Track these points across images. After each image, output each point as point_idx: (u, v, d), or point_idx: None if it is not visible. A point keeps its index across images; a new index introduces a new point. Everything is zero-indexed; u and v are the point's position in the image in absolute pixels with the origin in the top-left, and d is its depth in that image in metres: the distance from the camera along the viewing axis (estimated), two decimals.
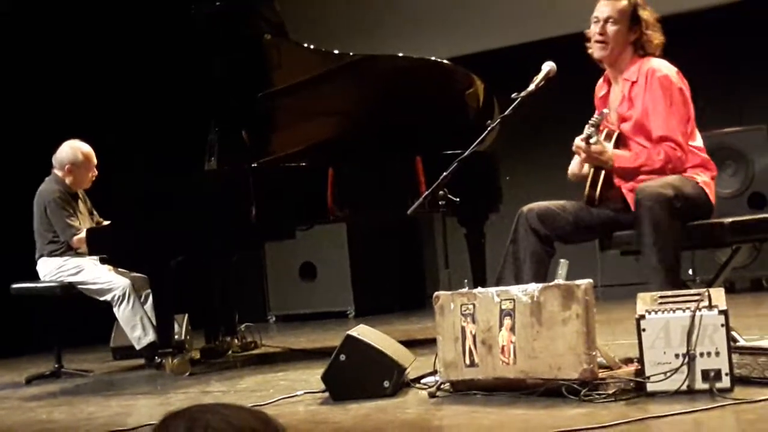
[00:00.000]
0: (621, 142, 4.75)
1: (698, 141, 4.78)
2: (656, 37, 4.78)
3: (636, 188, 4.54)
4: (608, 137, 4.74)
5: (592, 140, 4.62)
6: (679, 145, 4.63)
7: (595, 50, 4.80)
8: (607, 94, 4.89)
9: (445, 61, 6.45)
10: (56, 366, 6.66)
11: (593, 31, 4.79)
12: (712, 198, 4.68)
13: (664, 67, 4.73)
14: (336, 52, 6.41)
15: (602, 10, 4.79)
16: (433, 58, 6.46)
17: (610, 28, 4.75)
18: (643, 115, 4.68)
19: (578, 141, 4.68)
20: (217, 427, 1.49)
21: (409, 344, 5.16)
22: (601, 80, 4.94)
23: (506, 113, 4.71)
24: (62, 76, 9.21)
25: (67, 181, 6.87)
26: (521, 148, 8.90)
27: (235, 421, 1.51)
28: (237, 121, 6.53)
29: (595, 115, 4.73)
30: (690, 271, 7.65)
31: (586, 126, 4.69)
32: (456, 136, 5.90)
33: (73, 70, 9.27)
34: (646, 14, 4.77)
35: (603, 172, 4.72)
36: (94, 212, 7.06)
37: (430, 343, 4.83)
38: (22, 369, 6.98)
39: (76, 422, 4.67)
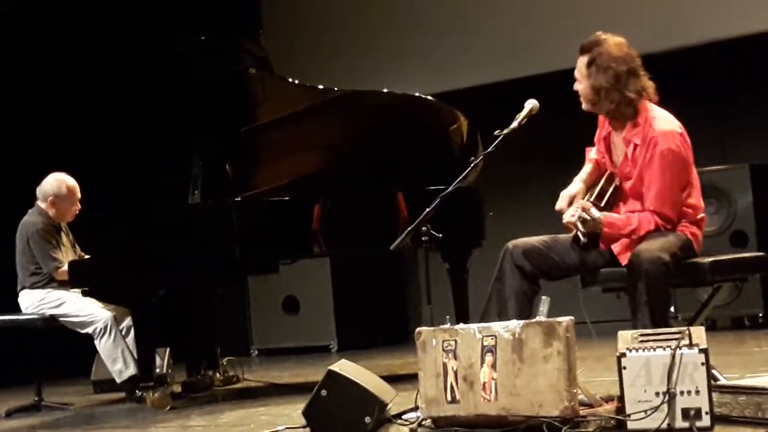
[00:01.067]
0: (618, 193, 4.75)
1: (695, 197, 4.73)
2: (638, 85, 4.68)
3: (632, 251, 4.55)
4: (609, 181, 4.74)
5: (580, 236, 4.60)
6: (670, 220, 4.62)
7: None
8: (609, 135, 4.88)
9: (429, 97, 6.48)
10: (36, 399, 6.62)
11: None
12: (698, 248, 4.68)
13: (668, 134, 4.62)
14: (320, 87, 6.43)
15: (579, 71, 4.77)
16: (417, 94, 6.50)
17: (577, 86, 4.76)
18: (641, 183, 4.66)
19: (569, 218, 4.64)
20: None
21: (391, 379, 5.15)
22: (602, 117, 4.90)
23: (489, 150, 4.72)
24: (48, 107, 9.21)
25: (50, 213, 6.86)
26: (505, 183, 8.92)
27: None
28: (221, 155, 6.54)
29: (592, 211, 4.67)
30: (672, 309, 7.65)
31: (579, 214, 4.63)
32: (439, 172, 5.91)
33: (59, 104, 9.27)
34: (608, 70, 4.64)
35: None
36: (77, 246, 7.05)
37: (412, 378, 4.82)
38: (2, 402, 6.93)
39: None
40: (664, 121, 4.69)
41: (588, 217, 4.56)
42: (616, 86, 4.65)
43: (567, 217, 4.66)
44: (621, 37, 4.76)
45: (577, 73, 4.76)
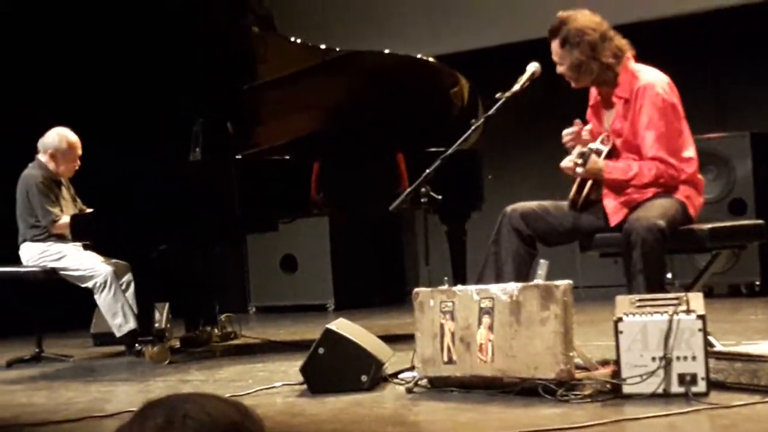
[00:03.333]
0: (613, 153, 4.77)
1: (690, 151, 4.75)
2: (606, 51, 4.71)
3: (623, 217, 4.58)
4: (604, 142, 4.76)
5: (579, 170, 4.63)
6: (671, 165, 4.63)
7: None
8: (598, 102, 4.90)
9: (430, 59, 6.48)
10: (37, 350, 6.66)
11: None
12: (694, 212, 4.70)
13: (655, 82, 4.68)
14: (322, 46, 6.42)
15: (555, 56, 4.80)
16: (418, 56, 6.49)
17: (559, 69, 4.78)
18: (635, 134, 4.68)
19: (564, 163, 4.69)
20: (195, 417, 1.51)
21: (388, 339, 5.20)
22: (593, 88, 4.94)
23: (490, 113, 4.74)
24: (50, 65, 9.18)
25: (50, 167, 6.88)
26: (505, 146, 8.93)
27: (213, 411, 1.53)
28: (222, 113, 6.54)
29: (588, 146, 4.72)
30: (669, 275, 7.69)
31: (576, 150, 4.70)
32: (439, 134, 5.93)
33: (61, 60, 9.24)
34: (581, 42, 4.68)
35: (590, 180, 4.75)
36: (78, 199, 7.07)
37: (408, 338, 4.87)
38: (3, 352, 6.97)
39: (55, 407, 4.69)
40: (649, 72, 4.75)
41: (586, 149, 4.61)
42: (592, 55, 4.70)
43: (565, 162, 4.69)
44: (583, 8, 4.80)
45: (555, 57, 4.79)
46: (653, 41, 4.82)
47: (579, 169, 4.65)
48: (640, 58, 4.83)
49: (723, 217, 7.44)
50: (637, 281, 4.40)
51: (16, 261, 6.81)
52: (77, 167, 6.98)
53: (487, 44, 9.25)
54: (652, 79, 4.71)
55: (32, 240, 6.76)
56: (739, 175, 7.95)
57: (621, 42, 4.77)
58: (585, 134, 4.84)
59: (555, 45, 4.77)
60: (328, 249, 9.64)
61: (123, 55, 9.55)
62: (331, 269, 9.65)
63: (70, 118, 7.19)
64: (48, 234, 6.74)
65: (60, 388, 5.33)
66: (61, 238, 6.70)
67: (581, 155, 4.66)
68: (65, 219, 6.65)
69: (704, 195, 4.93)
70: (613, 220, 4.66)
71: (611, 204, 4.70)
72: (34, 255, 6.74)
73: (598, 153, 4.71)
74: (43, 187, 6.79)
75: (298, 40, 6.41)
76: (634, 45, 4.83)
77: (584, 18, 4.74)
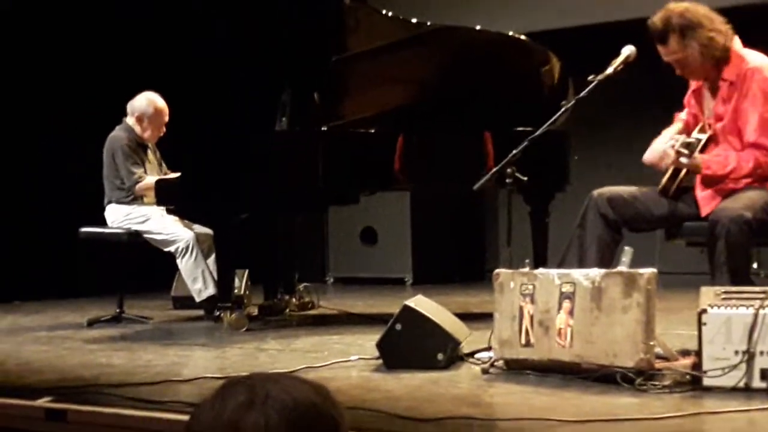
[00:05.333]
0: (712, 141, 4.68)
1: None
2: (720, 38, 4.61)
3: (714, 207, 4.50)
4: (702, 131, 4.68)
5: (683, 160, 4.56)
6: None
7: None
8: (701, 87, 4.80)
9: (522, 37, 6.41)
10: (118, 311, 6.74)
11: None
12: None
13: (763, 66, 4.60)
14: (414, 20, 6.39)
15: (663, 57, 4.68)
16: (510, 33, 6.43)
17: (681, 71, 4.68)
18: (737, 116, 4.59)
19: (670, 151, 4.61)
20: (277, 398, 1.51)
21: (465, 317, 5.18)
22: None
23: (581, 95, 4.68)
24: (143, 28, 9.27)
25: (136, 130, 6.95)
26: (593, 128, 8.81)
27: (295, 393, 1.53)
28: (310, 84, 6.55)
29: (694, 134, 4.66)
30: (755, 264, 7.55)
31: (671, 134, 4.63)
32: (528, 113, 5.87)
33: (154, 24, 9.33)
34: (698, 30, 4.59)
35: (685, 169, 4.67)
36: (163, 164, 7.14)
37: (486, 317, 4.84)
38: (85, 311, 7.08)
39: (133, 368, 4.75)
40: (756, 56, 4.67)
41: (692, 140, 4.53)
42: (709, 43, 4.59)
43: (669, 151, 4.60)
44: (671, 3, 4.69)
45: (671, 59, 4.65)
46: (757, 26, 4.71)
47: (683, 159, 4.56)
48: (745, 42, 4.74)
49: None
50: (721, 272, 4.33)
51: (102, 222, 6.90)
52: (163, 133, 7.05)
53: (580, 23, 9.14)
54: (760, 63, 4.62)
55: (117, 202, 6.85)
56: None
57: (725, 26, 4.66)
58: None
59: (672, 45, 4.63)
60: (409, 223, 9.64)
61: (216, 22, 9.60)
62: (411, 243, 9.66)
63: (161, 84, 7.25)
64: (133, 197, 6.82)
65: (139, 350, 5.39)
66: (146, 201, 6.77)
67: (687, 145, 4.57)
68: (149, 180, 6.72)
69: None
70: (705, 211, 4.58)
71: (704, 194, 4.62)
72: (119, 217, 6.83)
73: (696, 143, 4.63)
74: (129, 149, 6.87)
75: (390, 13, 6.38)
76: (737, 30, 4.72)
77: (685, 8, 4.63)
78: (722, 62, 4.64)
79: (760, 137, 4.53)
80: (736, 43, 4.69)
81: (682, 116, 4.92)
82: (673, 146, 4.59)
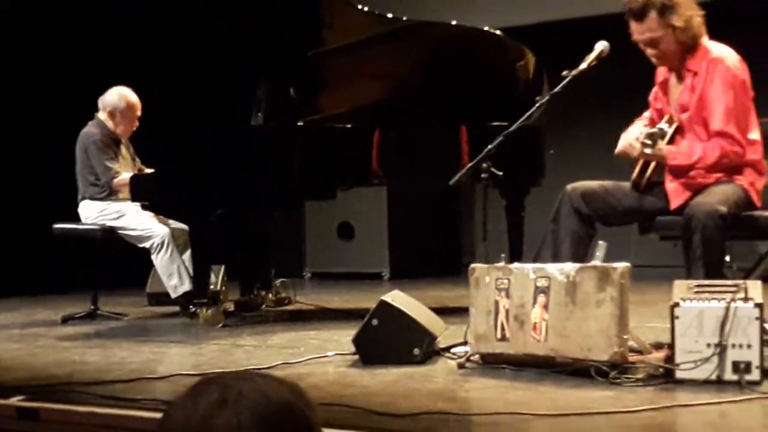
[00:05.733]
0: (678, 132, 4.71)
1: (755, 134, 4.68)
2: (695, 22, 4.64)
3: (684, 200, 4.53)
4: (669, 122, 4.70)
5: (647, 150, 4.58)
6: (737, 141, 4.56)
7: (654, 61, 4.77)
8: (667, 80, 4.83)
9: (497, 32, 6.42)
10: (92, 307, 6.73)
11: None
12: (758, 201, 4.62)
13: (727, 56, 4.63)
14: (389, 15, 6.39)
15: (636, 36, 4.68)
16: (485, 28, 6.43)
17: (653, 50, 4.68)
18: (703, 106, 4.61)
19: (635, 143, 4.63)
20: (249, 396, 1.51)
21: (442, 312, 5.19)
22: None
23: (555, 90, 4.70)
24: (103, 26, 9.23)
25: (108, 125, 6.93)
26: (568, 122, 8.83)
27: (268, 391, 1.53)
28: (286, 79, 6.54)
29: (659, 125, 4.68)
30: (727, 258, 7.59)
31: (638, 128, 4.66)
32: (503, 108, 5.89)
33: (124, 19, 9.29)
34: (677, 10, 4.60)
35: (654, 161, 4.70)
36: (137, 158, 7.12)
37: (462, 312, 4.85)
38: (59, 308, 7.05)
39: (108, 365, 4.73)
40: (720, 47, 4.70)
41: (655, 130, 4.55)
42: (684, 29, 4.62)
43: (631, 143, 4.62)
44: None
45: (644, 37, 4.65)
46: (726, 20, 4.74)
47: (647, 150, 4.58)
48: (713, 36, 4.76)
49: None
50: (696, 267, 4.35)
51: (75, 218, 6.88)
52: (135, 128, 7.02)
53: (554, 18, 9.16)
54: (724, 53, 4.66)
55: (92, 198, 6.82)
56: None
57: (701, 13, 4.70)
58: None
59: (650, 22, 4.63)
60: (386, 218, 9.66)
61: (191, 16, 9.57)
62: (388, 238, 9.67)
63: (133, 79, 7.22)
64: (108, 192, 6.79)
65: (113, 347, 5.38)
66: (120, 197, 6.74)
67: (650, 136, 4.60)
68: (124, 176, 6.69)
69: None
70: (675, 203, 4.61)
71: (673, 186, 4.65)
72: (93, 213, 6.80)
73: (662, 135, 4.65)
74: (102, 144, 6.84)
75: (365, 8, 6.38)
76: (707, 23, 4.76)
77: None
78: (690, 51, 4.66)
79: (726, 126, 4.56)
80: (704, 40, 4.71)
81: (646, 114, 4.95)
82: (637, 138, 4.62)
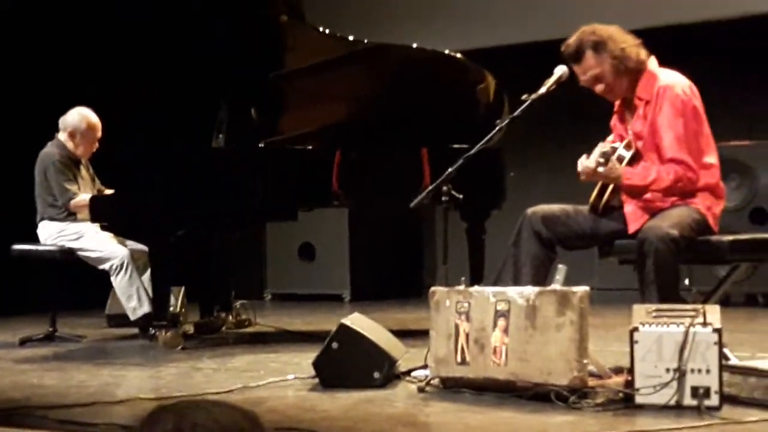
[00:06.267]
0: (636, 158, 4.74)
1: (712, 157, 4.72)
2: (632, 52, 4.71)
3: (642, 224, 4.56)
4: (628, 147, 4.73)
5: (600, 169, 4.61)
6: (690, 167, 4.60)
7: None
8: (622, 105, 4.88)
9: (458, 55, 6.45)
10: (50, 329, 6.66)
11: None
12: (715, 226, 4.66)
13: (676, 83, 4.68)
14: (350, 38, 6.41)
15: (581, 78, 4.78)
16: (446, 51, 6.46)
17: (600, 86, 4.76)
18: (654, 134, 4.66)
19: (586, 162, 4.67)
20: (204, 425, 1.50)
21: (402, 334, 5.19)
22: None
23: (515, 114, 4.72)
24: (67, 47, 9.19)
25: (68, 146, 6.88)
26: (528, 145, 8.88)
27: (223, 420, 1.52)
28: (247, 100, 6.53)
29: (609, 145, 4.73)
30: (686, 281, 7.65)
31: (598, 148, 4.70)
32: (464, 131, 5.92)
33: (86, 39, 9.26)
34: (609, 44, 4.69)
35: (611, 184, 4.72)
36: (96, 179, 7.08)
37: (422, 334, 4.85)
38: (17, 330, 6.99)
39: (66, 389, 4.69)
40: (669, 74, 4.75)
41: (608, 149, 4.59)
42: (623, 57, 4.69)
43: (585, 162, 4.66)
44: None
45: (588, 76, 4.75)
46: (679, 46, 4.80)
47: (600, 169, 4.62)
48: (667, 63, 4.81)
49: (744, 225, 7.40)
50: (649, 290, 4.38)
51: (34, 239, 6.82)
52: (95, 149, 6.98)
53: (514, 41, 9.22)
54: (672, 80, 4.70)
55: (50, 219, 6.77)
56: (761, 184, 7.90)
57: (638, 48, 4.76)
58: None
59: (587, 64, 4.73)
60: (347, 239, 9.65)
61: (151, 36, 9.55)
62: (349, 260, 9.66)
63: (94, 99, 7.19)
64: (67, 213, 6.74)
65: (72, 370, 5.33)
66: (79, 218, 6.69)
67: (603, 155, 4.64)
68: (83, 197, 6.65)
69: (726, 202, 4.89)
70: (633, 227, 4.63)
71: (630, 209, 4.68)
72: (52, 233, 6.74)
73: (620, 159, 4.68)
74: (61, 165, 6.79)
75: (326, 30, 6.39)
76: (659, 50, 4.82)
77: (595, 31, 4.74)
78: (636, 78, 4.72)
79: (678, 152, 4.60)
80: (652, 63, 4.78)
81: (609, 139, 4.99)
82: (593, 164, 4.65)
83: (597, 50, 4.71)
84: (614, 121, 4.95)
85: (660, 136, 4.63)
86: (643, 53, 4.75)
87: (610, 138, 4.98)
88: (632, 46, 4.73)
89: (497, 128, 4.89)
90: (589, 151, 4.83)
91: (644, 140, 4.71)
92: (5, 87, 8.77)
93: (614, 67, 4.70)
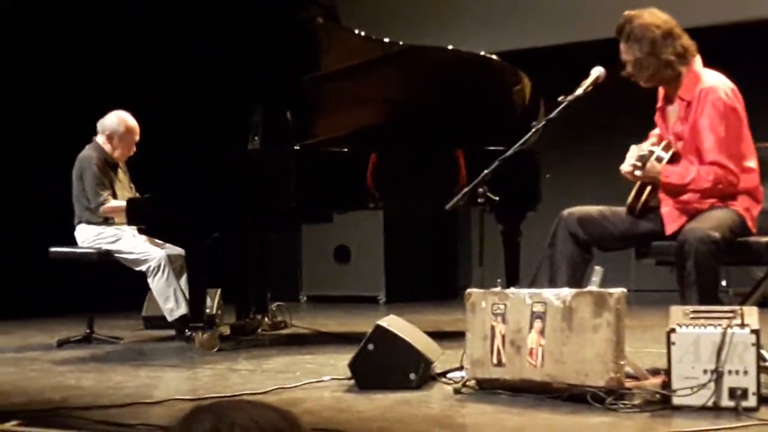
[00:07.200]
0: (675, 159, 4.71)
1: (752, 162, 4.68)
2: (677, 46, 4.69)
3: (679, 226, 4.54)
4: (666, 149, 4.71)
5: (637, 173, 4.60)
6: (731, 171, 4.57)
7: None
8: (664, 106, 4.85)
9: (494, 57, 6.43)
10: (88, 331, 6.70)
11: None
12: (753, 227, 4.62)
13: (718, 86, 4.64)
14: (386, 40, 6.40)
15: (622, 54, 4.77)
16: (482, 53, 6.45)
17: (630, 70, 4.74)
18: (695, 137, 4.62)
19: (621, 167, 4.66)
20: (243, 425, 1.51)
21: (438, 336, 5.18)
22: (661, 89, 4.90)
23: (551, 116, 4.69)
24: (105, 50, 9.26)
25: (106, 149, 6.92)
26: (565, 147, 8.84)
27: (261, 421, 1.52)
28: (283, 103, 6.55)
29: (648, 147, 4.70)
30: (724, 282, 7.59)
31: (633, 150, 4.67)
32: (500, 133, 5.89)
33: (126, 42, 9.32)
34: (650, 31, 4.67)
35: (649, 185, 4.70)
36: (133, 184, 7.11)
37: (458, 336, 4.85)
38: (55, 332, 7.04)
39: (103, 390, 4.71)
40: (713, 76, 4.71)
41: (645, 152, 4.57)
42: (651, 52, 4.66)
43: (624, 166, 4.65)
44: (654, 8, 4.76)
45: (622, 56, 4.76)
46: (724, 46, 4.75)
47: (637, 172, 4.61)
48: (709, 63, 4.77)
49: None
50: (689, 292, 4.35)
51: (72, 242, 6.86)
52: (132, 152, 7.02)
53: (551, 42, 9.19)
54: (715, 82, 4.65)
55: (87, 223, 6.81)
56: None
57: (688, 42, 4.72)
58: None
59: (622, 45, 4.74)
60: (382, 241, 9.66)
61: (187, 39, 9.60)
62: (384, 262, 9.67)
63: (132, 103, 7.23)
64: (104, 217, 6.78)
65: (109, 371, 5.36)
66: (116, 222, 6.73)
67: (641, 158, 4.62)
68: (114, 203, 6.70)
69: (765, 204, 4.85)
70: (670, 229, 4.61)
71: (668, 211, 4.65)
72: (89, 236, 6.79)
73: (659, 160, 4.65)
74: (98, 169, 6.83)
75: (362, 33, 6.39)
76: (704, 50, 4.77)
77: (650, 15, 4.71)
78: (679, 73, 4.68)
79: (718, 155, 4.57)
80: (697, 63, 4.73)
81: (655, 132, 4.95)
82: (631, 166, 4.63)
83: (627, 40, 4.70)
84: (657, 117, 4.91)
85: (701, 139, 4.60)
86: (685, 50, 4.69)
87: (655, 132, 4.93)
88: (669, 44, 4.66)
89: (533, 130, 4.87)
90: (622, 154, 4.82)
91: (685, 142, 4.67)
92: (46, 92, 8.84)
93: (638, 60, 4.68)
